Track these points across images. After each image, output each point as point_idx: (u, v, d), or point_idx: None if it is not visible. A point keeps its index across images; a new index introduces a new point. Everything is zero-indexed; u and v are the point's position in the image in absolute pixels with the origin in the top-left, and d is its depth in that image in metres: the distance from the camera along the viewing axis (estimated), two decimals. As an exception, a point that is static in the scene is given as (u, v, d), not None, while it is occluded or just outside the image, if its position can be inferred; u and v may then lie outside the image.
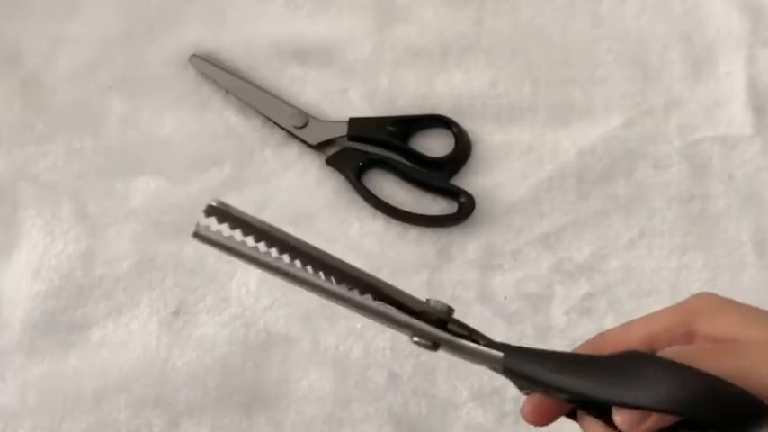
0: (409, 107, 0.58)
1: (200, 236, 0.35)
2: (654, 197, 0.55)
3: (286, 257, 0.35)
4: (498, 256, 0.54)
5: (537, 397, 0.34)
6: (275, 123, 0.56)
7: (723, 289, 0.54)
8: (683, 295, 0.53)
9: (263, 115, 0.56)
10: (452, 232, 0.55)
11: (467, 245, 0.54)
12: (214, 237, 0.34)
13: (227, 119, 0.57)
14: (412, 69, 0.59)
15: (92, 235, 0.54)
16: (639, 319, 0.33)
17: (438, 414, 0.51)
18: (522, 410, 0.35)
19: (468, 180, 0.56)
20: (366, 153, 0.56)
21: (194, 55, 0.58)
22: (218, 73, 0.57)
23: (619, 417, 0.30)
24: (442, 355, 0.52)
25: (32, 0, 0.59)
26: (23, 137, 0.56)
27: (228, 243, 0.34)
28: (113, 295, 0.53)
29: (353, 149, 0.56)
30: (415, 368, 0.52)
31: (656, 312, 0.33)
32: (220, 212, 0.34)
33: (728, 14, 0.60)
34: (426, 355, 0.52)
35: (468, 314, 0.51)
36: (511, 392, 0.51)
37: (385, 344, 0.52)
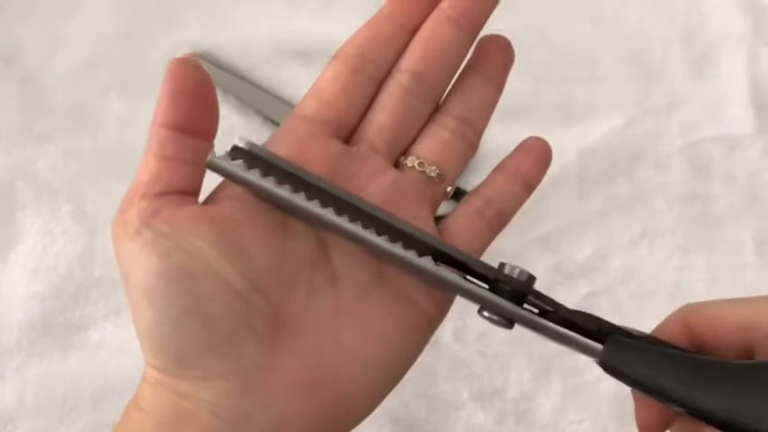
0: (409, 107, 0.58)
1: (214, 165, 0.30)
2: (655, 197, 0.55)
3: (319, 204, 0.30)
4: (499, 256, 0.54)
5: (648, 408, 0.30)
6: (275, 123, 0.56)
7: (725, 289, 0.54)
8: (685, 296, 0.53)
9: (263, 115, 0.56)
10: (453, 232, 0.55)
11: (467, 245, 0.54)
12: (231, 168, 0.30)
13: (227, 118, 0.57)
14: (412, 69, 0.59)
15: (90, 235, 0.54)
16: (731, 302, 0.31)
17: (438, 415, 0.51)
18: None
19: (469, 180, 0.56)
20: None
21: (193, 54, 0.58)
22: (217, 72, 0.57)
23: None
24: (443, 355, 0.52)
25: (31, 0, 0.59)
26: (22, 137, 0.56)
27: (248, 177, 0.30)
28: (112, 296, 0.53)
29: (353, 149, 0.56)
30: (416, 369, 0.51)
31: (749, 298, 0.31)
32: (246, 154, 0.29)
33: (730, 14, 0.60)
34: (426, 355, 0.51)
35: (467, 315, 0.51)
36: (511, 393, 0.50)
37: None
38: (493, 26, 0.61)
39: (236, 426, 0.28)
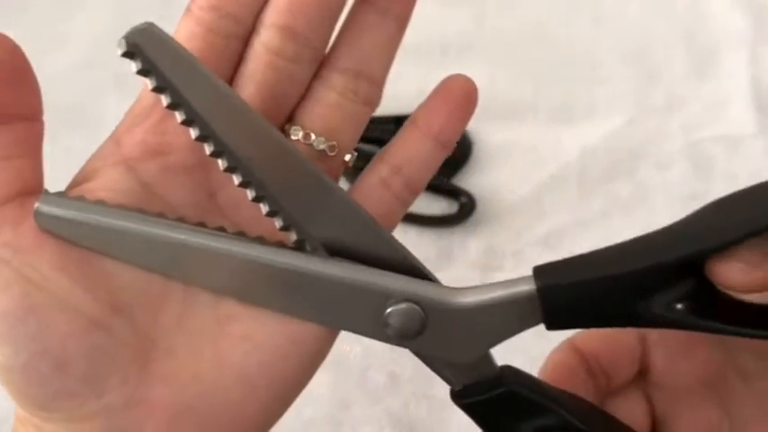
0: (409, 106, 0.57)
1: (41, 215, 0.25)
2: (656, 197, 0.55)
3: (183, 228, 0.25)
4: (499, 256, 0.54)
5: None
6: (274, 122, 0.56)
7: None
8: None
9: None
10: (453, 233, 0.54)
11: (467, 245, 0.54)
12: (64, 215, 0.25)
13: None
14: (411, 68, 0.58)
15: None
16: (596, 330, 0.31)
17: (438, 415, 0.51)
18: None
19: (469, 180, 0.56)
20: (366, 152, 0.56)
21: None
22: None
23: (726, 268, 0.24)
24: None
25: (30, -2, 0.59)
26: (20, 136, 0.56)
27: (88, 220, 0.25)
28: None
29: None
30: (415, 369, 0.51)
31: None
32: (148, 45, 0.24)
33: (731, 13, 0.60)
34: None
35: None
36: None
37: (385, 344, 0.52)
38: (494, 24, 0.61)
39: None
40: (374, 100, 0.29)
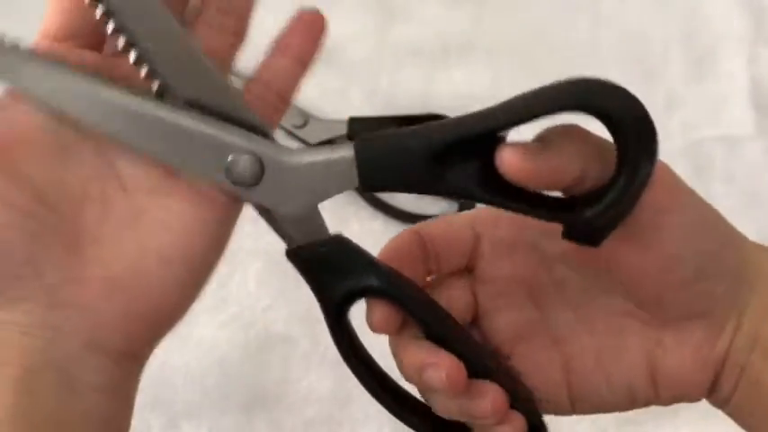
0: (409, 106, 0.58)
1: None
2: (655, 197, 0.55)
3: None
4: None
5: (383, 304, 0.32)
6: (280, 126, 0.56)
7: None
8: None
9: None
10: (453, 232, 0.54)
11: (467, 245, 0.54)
12: None
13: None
14: (412, 68, 0.59)
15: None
16: (438, 221, 0.34)
17: (438, 415, 0.51)
18: (372, 320, 0.34)
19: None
20: (366, 152, 0.56)
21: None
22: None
23: (507, 154, 0.29)
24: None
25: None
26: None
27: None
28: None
29: (353, 149, 0.56)
30: (416, 369, 0.52)
31: (451, 218, 0.35)
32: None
33: (730, 14, 0.60)
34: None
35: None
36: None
37: (385, 344, 0.52)
38: (494, 25, 0.61)
39: (51, 340, 0.29)
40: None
